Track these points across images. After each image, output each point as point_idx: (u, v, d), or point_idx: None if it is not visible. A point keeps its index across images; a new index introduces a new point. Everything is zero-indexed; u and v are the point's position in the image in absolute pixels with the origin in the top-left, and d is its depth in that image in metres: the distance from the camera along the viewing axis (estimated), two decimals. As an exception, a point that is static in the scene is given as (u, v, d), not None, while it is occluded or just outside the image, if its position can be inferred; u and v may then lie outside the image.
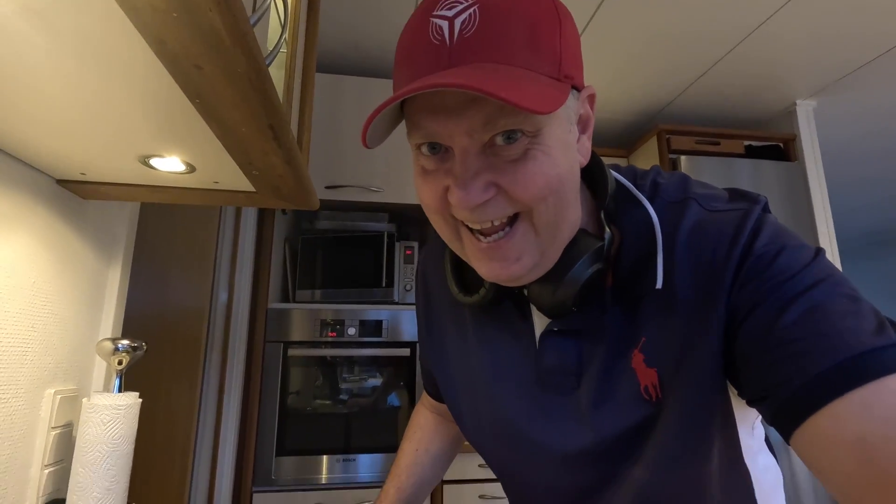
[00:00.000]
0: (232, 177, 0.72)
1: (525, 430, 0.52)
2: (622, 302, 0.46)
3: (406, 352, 1.93)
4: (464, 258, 0.46)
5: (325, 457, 1.83)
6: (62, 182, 0.75)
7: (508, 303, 0.52)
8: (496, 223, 0.41)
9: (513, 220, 0.42)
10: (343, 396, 1.91)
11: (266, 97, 0.47)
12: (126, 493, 0.71)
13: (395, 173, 2.01)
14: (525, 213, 0.41)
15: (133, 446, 0.71)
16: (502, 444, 0.55)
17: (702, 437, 0.44)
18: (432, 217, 0.45)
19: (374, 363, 1.94)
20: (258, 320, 1.86)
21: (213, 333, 1.74)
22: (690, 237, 0.44)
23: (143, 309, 1.59)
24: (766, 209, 0.45)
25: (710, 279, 0.41)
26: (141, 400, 0.73)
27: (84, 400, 0.69)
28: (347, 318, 1.91)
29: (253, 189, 0.76)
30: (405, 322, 1.95)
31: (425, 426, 0.77)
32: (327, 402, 1.90)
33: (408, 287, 2.09)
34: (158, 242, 1.69)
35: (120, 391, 0.72)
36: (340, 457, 1.83)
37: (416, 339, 1.94)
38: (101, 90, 0.49)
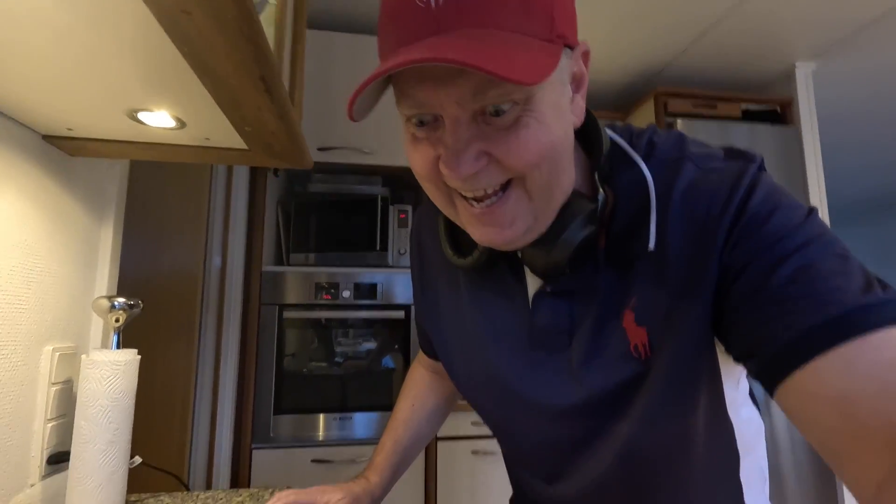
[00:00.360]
0: (223, 133, 0.71)
1: (517, 388, 0.53)
2: (615, 263, 0.46)
3: (401, 314, 1.95)
4: (458, 224, 0.46)
5: (321, 415, 1.87)
6: (48, 138, 0.73)
7: (502, 265, 0.52)
8: (489, 190, 0.41)
9: (506, 185, 0.42)
10: (339, 358, 1.94)
11: (257, 46, 0.46)
12: (129, 447, 0.72)
13: (387, 136, 1.98)
14: (518, 179, 0.41)
15: (133, 401, 0.72)
16: (496, 400, 0.57)
17: (688, 393, 0.45)
18: (425, 184, 0.45)
19: (369, 325, 1.96)
20: (253, 283, 1.87)
21: (207, 296, 1.75)
22: (684, 196, 0.44)
23: (136, 271, 1.59)
24: (761, 168, 0.45)
25: (702, 238, 0.42)
26: (140, 357, 0.74)
27: (83, 356, 0.70)
28: (342, 281, 1.92)
29: (245, 146, 0.75)
30: (399, 285, 1.96)
31: (421, 383, 0.79)
32: (323, 363, 1.93)
33: (402, 251, 2.09)
34: (150, 205, 1.67)
35: (118, 348, 0.72)
36: (337, 415, 1.87)
37: (410, 302, 1.96)
38: (86, 40, 0.47)
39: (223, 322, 1.78)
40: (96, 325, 0.85)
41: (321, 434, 1.84)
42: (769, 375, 0.38)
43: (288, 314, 1.88)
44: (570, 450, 0.52)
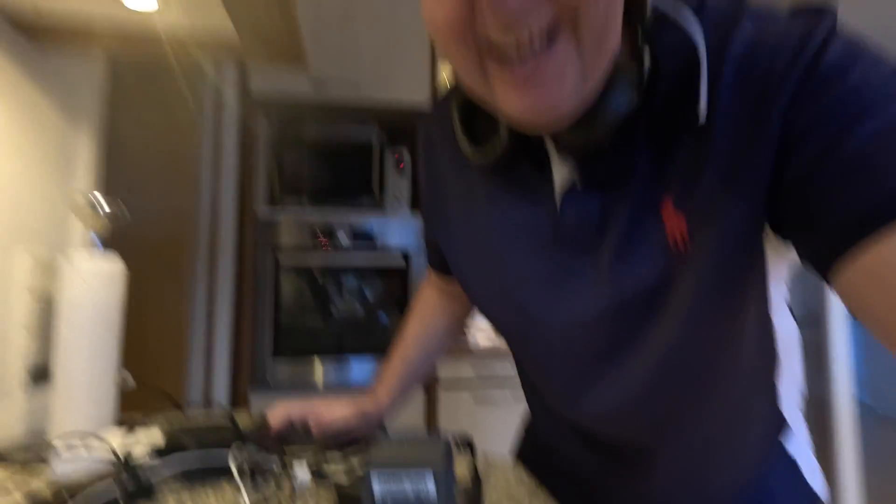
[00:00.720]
0: (208, 16, 0.64)
1: (538, 297, 0.48)
2: (655, 140, 0.39)
3: (399, 259, 1.90)
4: (489, 100, 0.38)
5: (318, 360, 1.85)
6: (16, 25, 0.65)
7: (525, 161, 0.46)
8: (534, 30, 0.33)
9: (550, 39, 0.34)
10: (336, 303, 1.90)
11: None
12: (117, 362, 0.68)
13: (384, 66, 1.89)
14: (568, 20, 0.34)
15: (120, 315, 0.67)
16: (514, 311, 0.51)
17: (734, 290, 0.39)
18: (448, 45, 0.36)
19: (367, 272, 1.92)
20: (246, 227, 1.81)
21: (199, 239, 1.69)
22: (741, 58, 0.36)
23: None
24: (836, 25, 0.36)
25: (761, 101, 0.34)
26: (125, 268, 0.68)
27: (62, 259, 0.64)
28: (338, 226, 1.87)
29: (234, 32, 0.68)
30: (397, 231, 1.91)
31: (430, 302, 0.74)
32: (320, 308, 1.89)
33: (399, 197, 2.03)
34: (133, 151, 1.59)
35: (101, 251, 0.67)
36: (334, 360, 1.85)
37: (409, 247, 1.91)
38: None
39: (216, 266, 1.73)
40: (77, 232, 0.79)
41: (319, 379, 1.82)
42: (832, 247, 0.31)
43: (283, 259, 1.83)
44: (598, 362, 0.47)
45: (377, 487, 0.32)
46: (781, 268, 0.44)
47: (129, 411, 0.75)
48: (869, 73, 0.32)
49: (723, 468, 0.49)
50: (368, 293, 1.93)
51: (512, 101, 0.35)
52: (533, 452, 0.65)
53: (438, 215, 0.58)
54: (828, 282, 0.33)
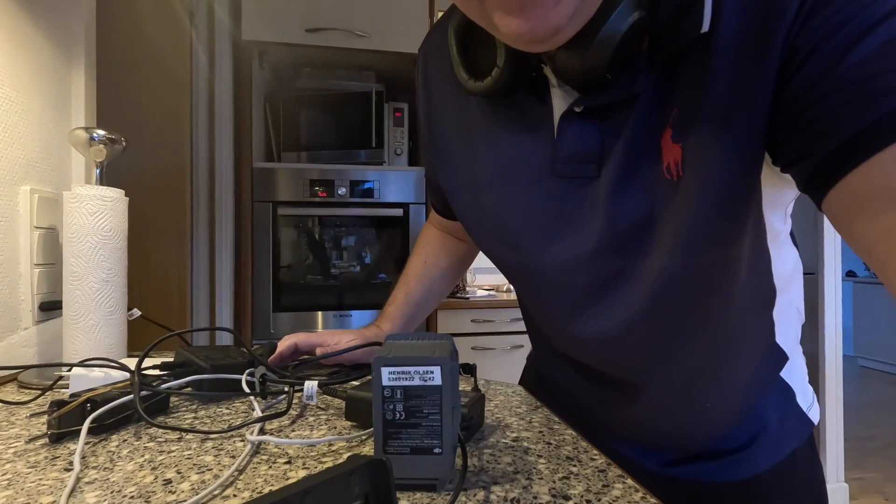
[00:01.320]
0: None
1: (535, 231, 0.48)
2: (657, 65, 0.38)
3: (398, 212, 1.90)
4: (486, 25, 0.37)
5: (319, 313, 1.87)
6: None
7: (523, 89, 0.45)
8: None
9: None
10: (336, 256, 1.91)
11: None
12: (125, 294, 0.69)
13: (382, 15, 1.83)
14: None
15: (126, 244, 0.68)
16: (511, 245, 0.51)
17: (728, 219, 0.39)
18: None
19: (366, 223, 1.92)
20: (243, 179, 1.79)
21: (197, 192, 1.68)
22: None
23: (119, 167, 1.50)
24: None
25: (766, 16, 0.33)
26: (128, 199, 0.68)
27: (65, 192, 0.64)
28: (337, 179, 1.85)
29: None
30: (397, 183, 1.90)
31: (433, 241, 0.75)
32: (320, 261, 1.90)
33: (398, 151, 2.01)
34: (126, 107, 1.56)
35: (102, 184, 0.67)
36: (335, 313, 1.88)
37: (408, 201, 1.91)
38: None
39: (216, 219, 1.72)
40: (78, 169, 0.79)
41: (320, 330, 1.85)
42: (827, 172, 0.30)
43: (282, 211, 1.83)
44: (595, 291, 0.47)
45: (386, 380, 0.33)
46: (782, 199, 0.44)
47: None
48: None
49: (714, 397, 0.50)
50: (367, 246, 1.94)
51: (508, 22, 0.34)
52: (534, 382, 0.67)
53: (438, 152, 0.57)
54: (821, 209, 0.33)
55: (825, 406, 2.09)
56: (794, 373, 0.52)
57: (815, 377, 2.12)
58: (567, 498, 0.32)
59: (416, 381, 0.33)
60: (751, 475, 0.50)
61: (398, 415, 0.33)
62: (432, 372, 0.33)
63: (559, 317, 0.52)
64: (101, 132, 0.66)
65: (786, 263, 0.48)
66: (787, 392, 0.52)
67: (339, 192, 1.85)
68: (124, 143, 0.68)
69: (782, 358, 0.51)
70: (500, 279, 2.26)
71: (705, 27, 0.34)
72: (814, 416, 0.53)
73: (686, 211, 0.38)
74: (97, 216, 0.64)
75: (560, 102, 0.43)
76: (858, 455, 2.43)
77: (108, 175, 0.68)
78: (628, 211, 0.41)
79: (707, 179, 0.37)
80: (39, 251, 0.71)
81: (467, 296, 2.00)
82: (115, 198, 0.65)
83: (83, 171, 0.80)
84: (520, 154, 0.47)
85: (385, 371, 0.33)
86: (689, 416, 0.51)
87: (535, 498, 0.32)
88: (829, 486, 2.02)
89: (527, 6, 0.32)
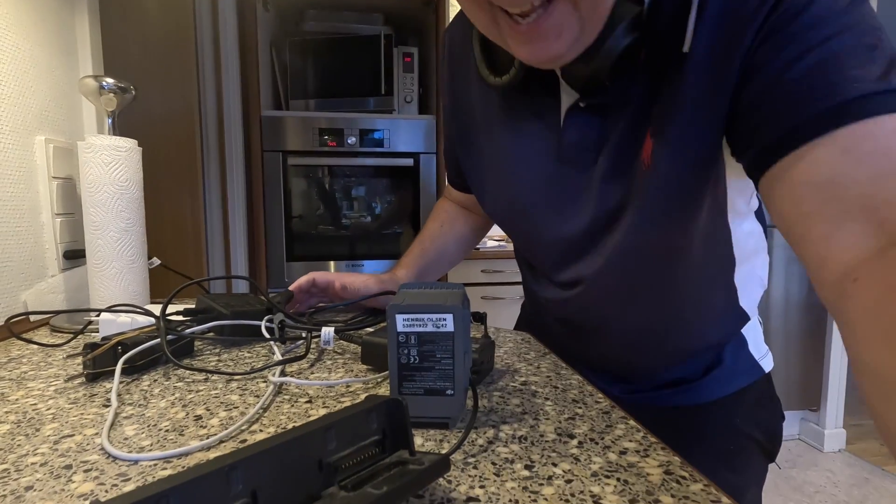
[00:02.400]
0: None
1: (541, 209, 0.54)
2: (650, 71, 0.43)
3: (409, 162, 1.88)
4: (502, 45, 0.44)
5: (332, 262, 1.91)
6: None
7: (537, 83, 0.50)
8: (536, 2, 0.37)
9: (549, 1, 0.38)
10: (347, 207, 1.92)
11: None
12: (144, 243, 0.70)
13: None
14: None
15: (142, 194, 0.69)
16: (520, 220, 0.58)
17: (685, 201, 0.45)
18: (466, 4, 0.43)
19: (377, 173, 1.91)
20: (252, 128, 1.78)
21: (207, 142, 1.67)
22: None
23: (129, 117, 1.49)
24: None
25: (733, 35, 0.38)
26: (141, 148, 0.69)
27: (79, 142, 0.65)
28: (346, 128, 1.83)
29: None
30: (407, 132, 1.87)
31: (449, 210, 0.79)
32: (331, 211, 1.91)
33: (408, 98, 1.96)
34: (131, 55, 1.52)
35: (114, 134, 0.67)
36: (348, 262, 1.91)
37: (418, 150, 1.89)
38: None
39: (226, 169, 1.72)
40: (89, 120, 0.79)
41: (334, 280, 1.89)
42: (761, 161, 0.37)
43: (292, 160, 1.82)
44: (578, 253, 0.54)
45: (400, 326, 0.35)
46: (747, 185, 0.50)
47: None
48: (823, 9, 0.34)
49: (677, 343, 0.57)
50: (378, 196, 1.94)
51: (520, 49, 0.41)
52: (524, 324, 0.75)
53: (460, 132, 0.63)
54: (757, 189, 0.39)
55: (830, 358, 2.12)
56: (750, 330, 0.60)
57: (823, 326, 2.14)
58: (572, 436, 0.34)
59: (430, 328, 0.34)
60: (702, 402, 0.59)
61: (412, 359, 0.35)
62: (445, 319, 0.34)
63: (546, 268, 0.60)
64: (111, 80, 0.65)
65: (748, 238, 0.55)
66: (742, 342, 0.59)
67: (349, 141, 1.83)
68: (134, 92, 0.68)
69: (744, 318, 0.58)
70: (510, 230, 2.26)
71: (686, 48, 0.40)
72: (766, 365, 0.61)
73: (650, 195, 0.46)
74: (112, 166, 0.64)
75: (567, 97, 0.50)
76: (860, 402, 2.49)
77: (120, 125, 0.68)
78: (612, 195, 0.49)
79: (668, 169, 0.44)
80: (59, 201, 0.72)
81: (478, 246, 2.01)
82: (128, 148, 0.66)
83: (94, 121, 0.80)
84: (531, 140, 0.54)
85: (399, 318, 0.34)
86: (653, 357, 0.59)
87: (541, 436, 0.34)
88: (827, 432, 2.08)
89: (532, 39, 0.39)
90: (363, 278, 0.68)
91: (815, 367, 2.14)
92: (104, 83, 0.65)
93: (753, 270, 0.57)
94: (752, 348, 0.60)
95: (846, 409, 2.12)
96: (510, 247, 2.16)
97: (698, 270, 0.52)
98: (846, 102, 0.32)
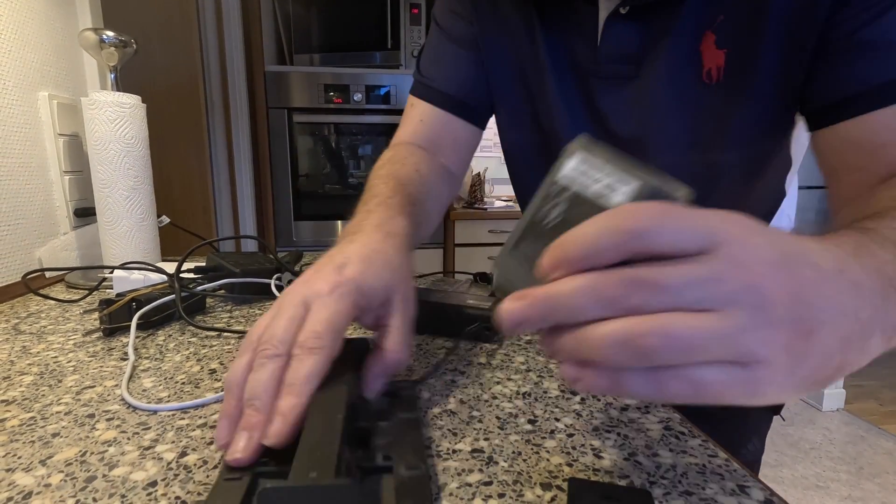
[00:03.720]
0: None
1: (570, 123, 0.50)
2: None
3: (416, 120, 1.85)
4: None
5: (339, 222, 1.91)
6: None
7: None
8: None
9: None
10: (353, 165, 1.91)
11: None
12: (153, 201, 0.71)
13: None
14: None
15: (148, 152, 0.69)
16: (545, 134, 0.52)
17: (766, 122, 0.42)
18: None
19: (384, 131, 1.88)
20: (257, 84, 1.74)
21: (211, 98, 1.64)
22: None
23: (131, 73, 1.46)
24: None
25: None
26: (145, 105, 0.68)
27: (83, 98, 0.64)
28: (352, 83, 1.79)
29: None
30: (414, 89, 1.83)
31: (419, 154, 0.55)
32: (338, 170, 1.90)
33: (415, 52, 1.90)
34: (130, 8, 1.47)
35: (118, 90, 0.66)
36: (355, 222, 1.91)
37: (425, 108, 1.85)
38: None
39: (231, 126, 1.70)
40: (91, 76, 0.78)
41: (341, 239, 1.90)
42: (820, 117, 0.38)
43: (298, 118, 1.79)
44: None
45: (570, 166, 0.23)
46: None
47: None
48: None
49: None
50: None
51: None
52: None
53: (489, 34, 0.54)
54: (810, 132, 0.40)
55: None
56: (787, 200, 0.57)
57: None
58: (574, 393, 0.35)
59: (601, 191, 0.22)
60: None
61: (551, 221, 0.23)
62: (624, 191, 0.22)
63: None
64: (111, 33, 0.64)
65: (793, 169, 0.52)
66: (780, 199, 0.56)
67: (355, 97, 1.79)
68: (135, 46, 0.66)
69: (784, 195, 0.55)
70: (518, 190, 2.24)
71: None
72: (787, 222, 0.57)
73: (723, 114, 0.42)
74: (118, 123, 0.64)
75: (608, 3, 0.44)
76: (860, 364, 2.52)
77: (122, 81, 0.67)
78: (661, 112, 0.44)
79: (748, 86, 0.40)
80: (66, 158, 0.72)
81: (485, 206, 2.00)
82: (132, 104, 0.65)
83: (97, 77, 0.78)
84: (566, 54, 0.49)
85: (573, 162, 0.23)
86: None
87: (545, 392, 0.35)
88: (826, 392, 2.12)
89: None
90: (382, 284, 0.37)
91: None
92: (104, 36, 0.63)
93: (784, 210, 0.55)
94: (785, 206, 0.56)
95: (847, 370, 2.14)
96: (517, 207, 2.14)
97: (764, 181, 0.49)
98: None
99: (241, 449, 0.23)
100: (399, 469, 0.24)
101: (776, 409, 0.60)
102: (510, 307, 0.20)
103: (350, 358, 0.29)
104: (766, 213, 0.52)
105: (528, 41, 0.51)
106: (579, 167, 0.22)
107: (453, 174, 0.59)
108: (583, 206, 0.22)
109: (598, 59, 0.46)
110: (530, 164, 0.58)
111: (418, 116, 0.57)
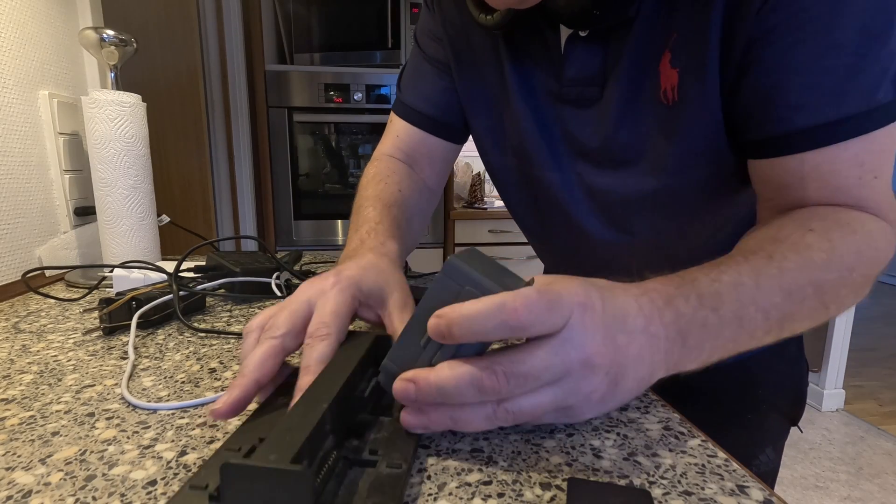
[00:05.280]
0: None
1: (545, 147, 0.50)
2: None
3: (416, 119, 1.85)
4: None
5: (339, 221, 1.91)
6: None
7: (534, 18, 0.46)
8: None
9: None
10: (353, 165, 1.91)
11: None
12: (153, 200, 0.71)
13: None
14: None
15: (148, 151, 0.69)
16: (517, 160, 0.53)
17: (720, 140, 0.41)
18: None
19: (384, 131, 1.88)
20: (257, 83, 1.74)
21: (211, 97, 1.64)
22: None
23: (131, 72, 1.46)
24: None
25: None
26: (145, 104, 0.68)
27: (83, 97, 0.64)
28: (352, 83, 1.79)
29: None
30: (414, 88, 1.82)
31: (402, 171, 0.57)
32: (338, 170, 1.90)
33: (415, 52, 1.90)
34: (130, 8, 1.47)
35: (117, 89, 0.66)
36: (355, 221, 1.91)
37: (426, 107, 1.85)
38: None
39: (231, 126, 1.70)
40: (92, 75, 0.78)
41: (340, 238, 1.90)
42: (751, 150, 0.39)
43: (298, 118, 1.79)
44: (594, 208, 0.50)
45: (444, 272, 0.27)
46: None
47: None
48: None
49: None
50: (386, 155, 1.91)
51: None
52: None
53: (460, 65, 0.56)
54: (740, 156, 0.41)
55: (834, 321, 2.13)
56: None
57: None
58: (574, 393, 0.35)
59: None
60: (731, 360, 0.54)
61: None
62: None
63: (560, 232, 0.55)
64: (111, 32, 0.64)
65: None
66: None
67: (355, 97, 1.79)
68: (135, 45, 0.66)
69: None
70: (518, 190, 2.24)
71: None
72: None
73: (681, 133, 0.41)
74: (118, 122, 0.64)
75: (567, 30, 0.45)
76: (860, 365, 2.52)
77: (122, 80, 0.67)
78: (625, 133, 0.44)
79: (701, 106, 0.40)
80: (66, 157, 0.72)
81: (485, 206, 2.00)
82: (132, 103, 0.65)
83: (97, 76, 0.78)
84: (532, 76, 0.49)
85: (449, 271, 0.27)
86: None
87: (544, 392, 0.35)
88: (826, 392, 2.12)
89: None
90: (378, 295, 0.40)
91: (818, 329, 2.15)
92: (104, 35, 0.63)
93: None
94: None
95: (848, 371, 2.14)
96: (518, 207, 2.15)
97: (733, 227, 0.48)
98: (836, 121, 0.35)
99: (220, 402, 0.27)
100: (381, 465, 0.24)
101: (794, 420, 0.58)
102: (403, 386, 0.26)
103: (354, 352, 0.30)
104: (743, 228, 0.50)
105: (495, 67, 0.51)
106: (451, 273, 0.26)
107: (431, 189, 0.61)
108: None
109: (563, 83, 0.46)
110: (513, 181, 0.57)
111: (395, 132, 0.59)
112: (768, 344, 0.33)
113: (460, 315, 0.25)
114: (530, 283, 0.26)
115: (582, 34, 0.44)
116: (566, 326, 0.25)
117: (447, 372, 0.25)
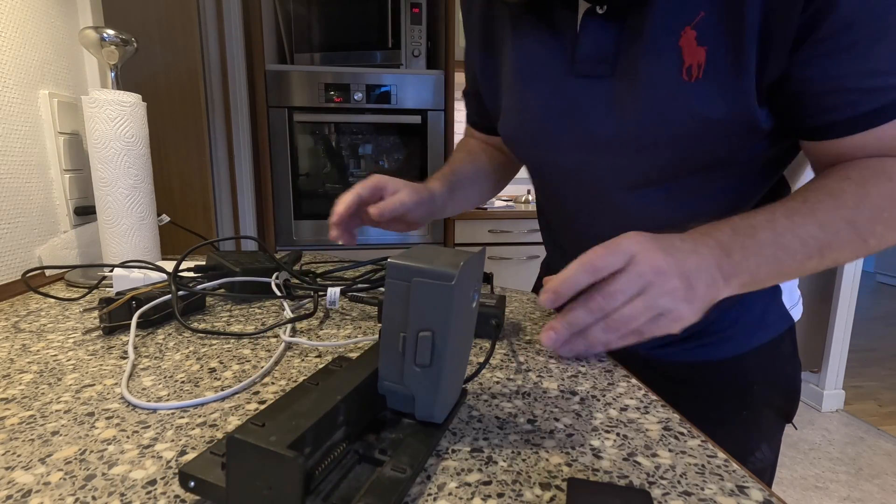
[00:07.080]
0: None
1: (553, 126, 0.51)
2: None
3: (417, 119, 1.85)
4: None
5: (340, 221, 1.91)
6: None
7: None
8: None
9: None
10: (354, 165, 1.90)
11: None
12: (153, 200, 0.71)
13: None
14: None
15: (148, 150, 0.69)
16: (533, 141, 0.54)
17: (745, 117, 0.41)
18: None
19: (384, 131, 1.88)
20: (257, 83, 1.74)
21: (211, 97, 1.64)
22: None
23: (131, 72, 1.46)
24: None
25: None
26: (145, 104, 0.68)
27: (83, 97, 0.64)
28: (352, 83, 1.78)
29: None
30: (415, 87, 1.82)
31: (475, 146, 0.73)
32: (338, 169, 1.90)
33: (416, 52, 1.90)
34: (130, 7, 1.47)
35: (118, 88, 0.66)
36: (356, 221, 1.91)
37: (426, 107, 1.85)
38: None
39: (231, 125, 1.70)
40: (92, 74, 0.77)
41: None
42: (803, 134, 0.42)
43: (298, 117, 1.79)
44: (611, 189, 0.50)
45: (390, 280, 0.27)
46: None
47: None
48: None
49: None
50: (385, 154, 1.91)
51: None
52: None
53: (482, 57, 0.59)
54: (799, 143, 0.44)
55: (835, 318, 2.13)
56: None
57: (830, 290, 2.14)
58: (574, 393, 0.35)
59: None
60: (726, 357, 0.54)
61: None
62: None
63: (574, 213, 0.56)
64: (111, 32, 0.64)
65: (804, 169, 0.52)
66: (776, 290, 0.55)
67: (356, 97, 1.79)
68: (135, 45, 0.66)
69: None
70: (518, 190, 2.24)
71: None
72: (795, 314, 0.56)
73: (703, 112, 0.41)
74: (118, 122, 0.64)
75: (585, 5, 0.45)
76: (860, 365, 2.52)
77: (122, 79, 0.67)
78: (639, 109, 0.44)
79: (731, 84, 0.39)
80: (66, 157, 0.72)
81: (485, 206, 2.00)
82: (132, 103, 0.65)
83: (97, 75, 0.78)
84: (545, 55, 0.50)
85: (390, 276, 0.28)
86: None
87: (544, 392, 0.35)
88: (826, 392, 2.12)
89: None
90: (405, 194, 0.55)
91: (818, 329, 2.15)
92: (105, 35, 0.63)
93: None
94: (785, 298, 0.55)
95: (847, 371, 2.14)
96: (518, 207, 2.14)
97: (756, 174, 0.48)
98: (883, 108, 0.38)
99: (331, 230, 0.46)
100: (386, 467, 0.24)
101: (788, 417, 0.58)
102: (546, 297, 0.37)
103: None
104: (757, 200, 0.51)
105: (511, 48, 0.53)
106: (395, 274, 0.27)
107: (503, 168, 0.73)
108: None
109: (576, 59, 0.47)
110: (535, 163, 0.58)
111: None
112: (814, 270, 0.39)
113: (559, 281, 0.36)
114: (481, 251, 0.30)
115: (600, 11, 0.44)
116: (632, 258, 0.35)
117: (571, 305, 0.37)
